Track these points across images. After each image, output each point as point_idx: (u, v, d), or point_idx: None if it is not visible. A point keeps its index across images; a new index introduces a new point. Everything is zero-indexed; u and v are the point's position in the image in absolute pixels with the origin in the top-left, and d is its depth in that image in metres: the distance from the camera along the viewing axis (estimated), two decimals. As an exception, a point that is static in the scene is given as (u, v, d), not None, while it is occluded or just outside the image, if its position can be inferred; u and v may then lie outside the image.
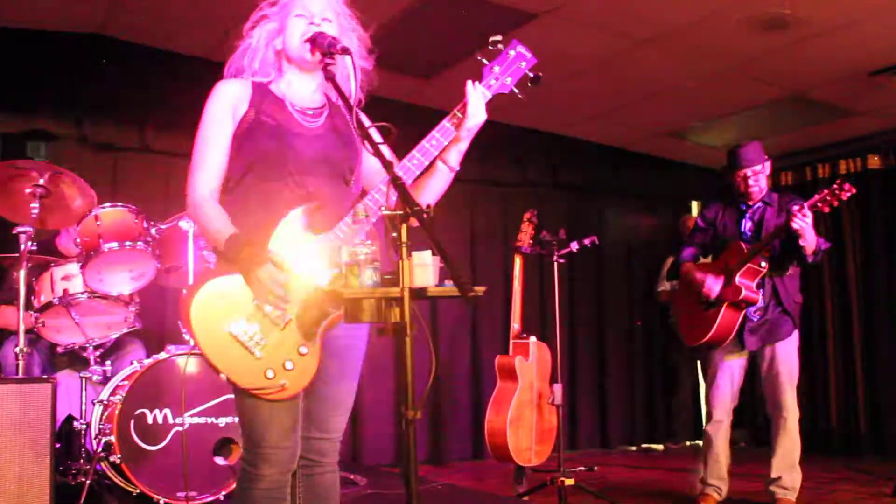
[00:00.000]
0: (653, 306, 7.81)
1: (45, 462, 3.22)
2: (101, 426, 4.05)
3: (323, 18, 2.55)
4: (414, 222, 2.06)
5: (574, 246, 4.80)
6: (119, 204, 4.25)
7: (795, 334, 4.61)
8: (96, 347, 4.39)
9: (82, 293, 4.23)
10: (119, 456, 3.78)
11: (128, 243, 4.13)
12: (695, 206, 8.49)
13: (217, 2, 4.94)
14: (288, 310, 2.33)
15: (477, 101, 2.52)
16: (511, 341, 4.79)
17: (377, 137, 2.30)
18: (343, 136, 2.61)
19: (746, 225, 4.69)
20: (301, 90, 2.61)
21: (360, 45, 2.65)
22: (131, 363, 4.31)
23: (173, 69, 5.64)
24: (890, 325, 6.87)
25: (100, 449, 3.89)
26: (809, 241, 4.33)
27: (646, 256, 7.95)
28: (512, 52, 2.60)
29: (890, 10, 4.85)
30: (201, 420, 3.99)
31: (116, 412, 3.82)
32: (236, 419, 3.99)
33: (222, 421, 4.05)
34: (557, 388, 4.56)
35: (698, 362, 7.70)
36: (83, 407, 4.25)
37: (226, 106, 2.53)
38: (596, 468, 4.82)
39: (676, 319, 4.91)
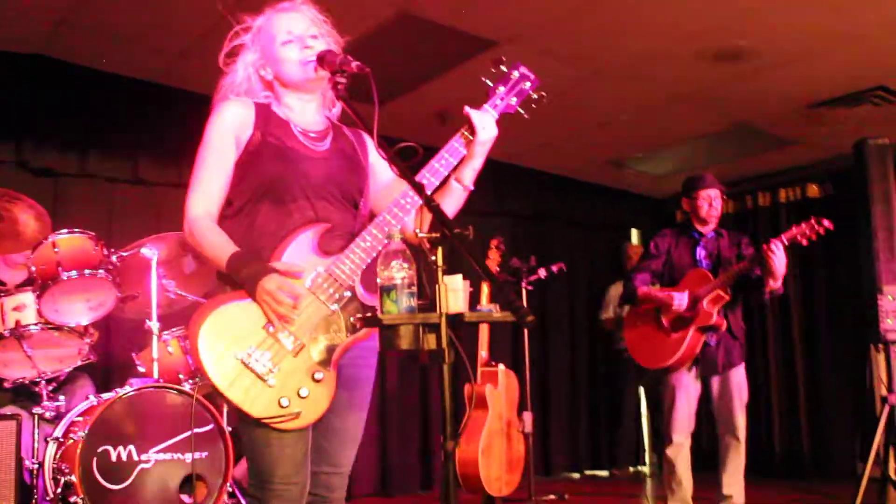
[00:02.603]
0: (596, 333, 7.85)
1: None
2: (55, 465, 3.82)
3: (311, 36, 2.48)
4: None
5: (542, 273, 4.78)
6: (76, 230, 4.05)
7: (744, 363, 4.75)
8: (49, 382, 4.14)
9: (35, 324, 4.00)
10: (82, 497, 3.56)
11: (87, 271, 3.94)
12: (634, 234, 8.59)
13: (165, 25, 4.80)
14: (301, 335, 2.24)
15: (484, 117, 2.48)
16: (480, 369, 4.73)
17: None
18: (349, 159, 2.54)
19: (701, 254, 4.79)
20: (303, 113, 2.54)
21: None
22: (87, 398, 4.10)
23: (118, 92, 5.46)
24: (831, 349, 7.06)
25: (59, 490, 3.65)
26: (779, 277, 4.42)
27: (588, 284, 7.99)
28: (515, 73, 2.59)
29: (833, 46, 5.04)
30: (167, 456, 3.81)
31: (78, 450, 3.60)
32: (203, 454, 3.86)
33: (189, 457, 3.87)
34: (527, 416, 4.51)
35: (641, 388, 7.77)
36: (35, 445, 3.99)
37: (229, 129, 2.44)
38: (567, 496, 4.76)
39: (629, 344, 4.91)
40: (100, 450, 3.67)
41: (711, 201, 4.77)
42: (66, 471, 3.64)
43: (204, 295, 4.57)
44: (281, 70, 2.49)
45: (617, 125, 6.49)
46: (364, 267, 2.30)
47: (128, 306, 4.39)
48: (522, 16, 4.76)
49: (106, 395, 3.96)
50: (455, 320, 1.93)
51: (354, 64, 2.31)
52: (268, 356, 2.21)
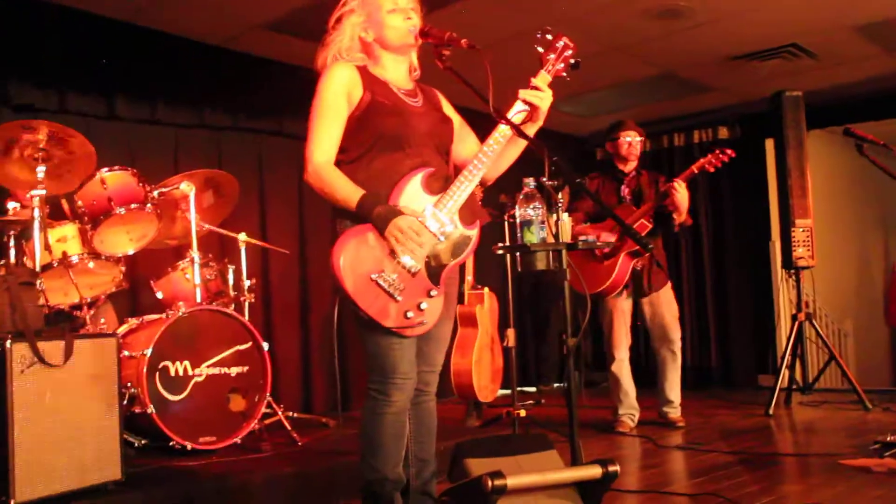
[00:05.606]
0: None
1: (115, 414, 3.40)
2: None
3: (411, 9, 2.94)
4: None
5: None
6: (116, 168, 4.38)
7: (669, 283, 5.49)
8: (90, 306, 4.48)
9: (81, 254, 4.33)
10: (150, 407, 4.00)
11: (133, 206, 4.29)
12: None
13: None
14: (418, 259, 2.75)
15: (544, 83, 3.02)
16: (467, 292, 5.33)
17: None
18: (440, 115, 3.05)
19: (625, 191, 5.45)
20: (397, 73, 3.01)
21: None
22: (115, 322, 4.49)
23: (90, 32, 5.55)
24: (737, 276, 8.00)
25: (125, 402, 4.05)
26: (683, 211, 5.19)
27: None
28: (560, 43, 3.06)
29: (756, 6, 5.72)
30: (216, 371, 4.27)
31: (145, 367, 4.02)
32: (245, 369, 4.33)
33: (234, 371, 4.34)
34: (510, 332, 5.10)
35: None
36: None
37: (341, 88, 2.86)
38: (543, 401, 5.46)
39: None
40: (161, 365, 4.11)
41: (630, 144, 5.47)
42: (129, 385, 4.06)
43: (221, 224, 4.99)
44: (385, 34, 2.93)
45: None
46: (462, 203, 2.84)
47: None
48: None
49: (148, 317, 4.38)
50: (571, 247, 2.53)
51: (464, 41, 2.80)
52: (395, 276, 2.73)
